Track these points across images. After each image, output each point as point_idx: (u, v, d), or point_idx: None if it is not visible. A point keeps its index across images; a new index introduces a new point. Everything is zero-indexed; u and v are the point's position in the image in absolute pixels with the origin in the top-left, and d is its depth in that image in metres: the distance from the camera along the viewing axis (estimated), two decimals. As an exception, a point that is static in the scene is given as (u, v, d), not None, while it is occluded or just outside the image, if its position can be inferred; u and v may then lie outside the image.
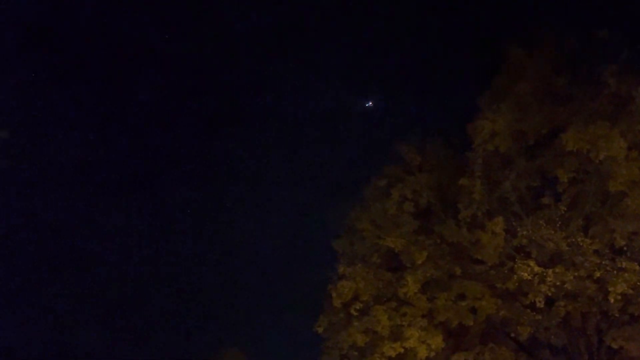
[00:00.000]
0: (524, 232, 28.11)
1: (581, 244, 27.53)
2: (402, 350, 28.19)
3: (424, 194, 28.96)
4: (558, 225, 27.87)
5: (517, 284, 28.01)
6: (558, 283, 27.37)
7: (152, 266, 33.40)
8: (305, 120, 34.69)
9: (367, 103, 34.28)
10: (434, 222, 28.98)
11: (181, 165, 34.58)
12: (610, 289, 26.39)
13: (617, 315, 27.15)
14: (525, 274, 27.73)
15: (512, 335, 28.85)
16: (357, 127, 33.69)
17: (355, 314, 29.08)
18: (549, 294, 27.60)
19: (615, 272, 26.45)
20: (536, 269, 27.63)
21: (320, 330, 29.94)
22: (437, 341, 28.19)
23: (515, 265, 27.97)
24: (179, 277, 33.21)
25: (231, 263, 33.25)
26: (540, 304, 27.73)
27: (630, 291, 26.17)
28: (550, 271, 27.38)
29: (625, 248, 27.16)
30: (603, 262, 26.78)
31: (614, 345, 27.54)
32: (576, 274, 27.36)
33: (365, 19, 33.38)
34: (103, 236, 32.72)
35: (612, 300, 26.42)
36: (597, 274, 26.71)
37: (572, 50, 28.56)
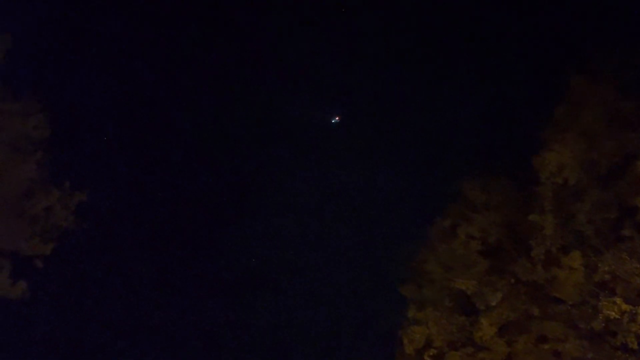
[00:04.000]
0: (606, 268, 19.44)
1: (672, 277, 18.01)
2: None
3: (492, 232, 20.82)
4: (643, 258, 17.73)
5: (603, 323, 20.21)
6: (651, 321, 18.11)
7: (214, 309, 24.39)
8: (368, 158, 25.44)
9: (334, 119, 24.14)
10: (506, 260, 20.29)
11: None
12: None
13: None
14: (612, 313, 20.18)
15: (603, 379, 18.56)
16: (419, 165, 24.16)
17: (429, 360, 20.28)
18: (642, 334, 18.63)
19: None
20: (624, 306, 20.03)
21: (393, 378, 20.88)
22: (519, 388, 19.03)
23: (600, 304, 20.21)
24: (237, 326, 23.84)
25: (297, 310, 23.71)
26: (632, 344, 19.88)
27: None
28: (640, 309, 18.20)
29: None
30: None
31: None
32: (671, 311, 17.65)
33: (425, 54, 24.16)
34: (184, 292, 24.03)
35: None
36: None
37: (638, 74, 18.54)
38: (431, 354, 21.09)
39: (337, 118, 26.11)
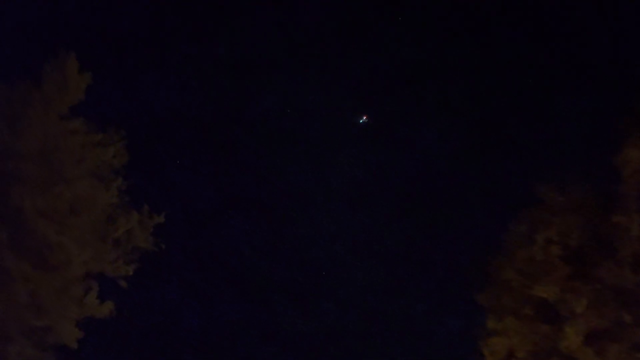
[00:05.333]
0: None
1: None
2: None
3: (572, 235, 18.13)
4: None
5: None
6: None
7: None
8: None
9: (362, 119, 23.48)
10: (590, 265, 17.90)
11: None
12: None
13: None
14: None
15: None
16: (491, 168, 22.11)
17: (513, 372, 18.63)
18: None
19: None
20: None
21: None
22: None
23: (701, 308, 15.08)
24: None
25: (369, 322, 22.19)
26: None
27: None
28: None
29: None
30: None
31: None
32: None
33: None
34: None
35: None
36: None
37: None
38: (515, 365, 18.76)
39: (364, 117, 24.58)
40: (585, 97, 22.06)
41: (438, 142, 24.70)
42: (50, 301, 20.28)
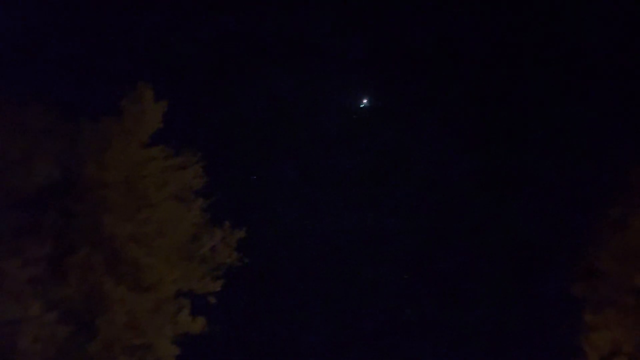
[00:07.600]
0: None
1: None
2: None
3: None
4: None
5: None
6: None
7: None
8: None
9: (362, 103, 23.86)
10: None
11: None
12: None
13: None
14: None
15: None
16: (579, 152, 20.86)
17: (620, 368, 16.63)
18: None
19: None
20: None
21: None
22: None
23: None
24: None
25: (463, 313, 21.44)
26: None
27: None
28: None
29: None
30: None
31: None
32: None
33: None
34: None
35: None
36: None
37: None
38: (623, 361, 17.24)
39: (364, 101, 23.64)
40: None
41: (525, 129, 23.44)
42: (146, 320, 21.08)
